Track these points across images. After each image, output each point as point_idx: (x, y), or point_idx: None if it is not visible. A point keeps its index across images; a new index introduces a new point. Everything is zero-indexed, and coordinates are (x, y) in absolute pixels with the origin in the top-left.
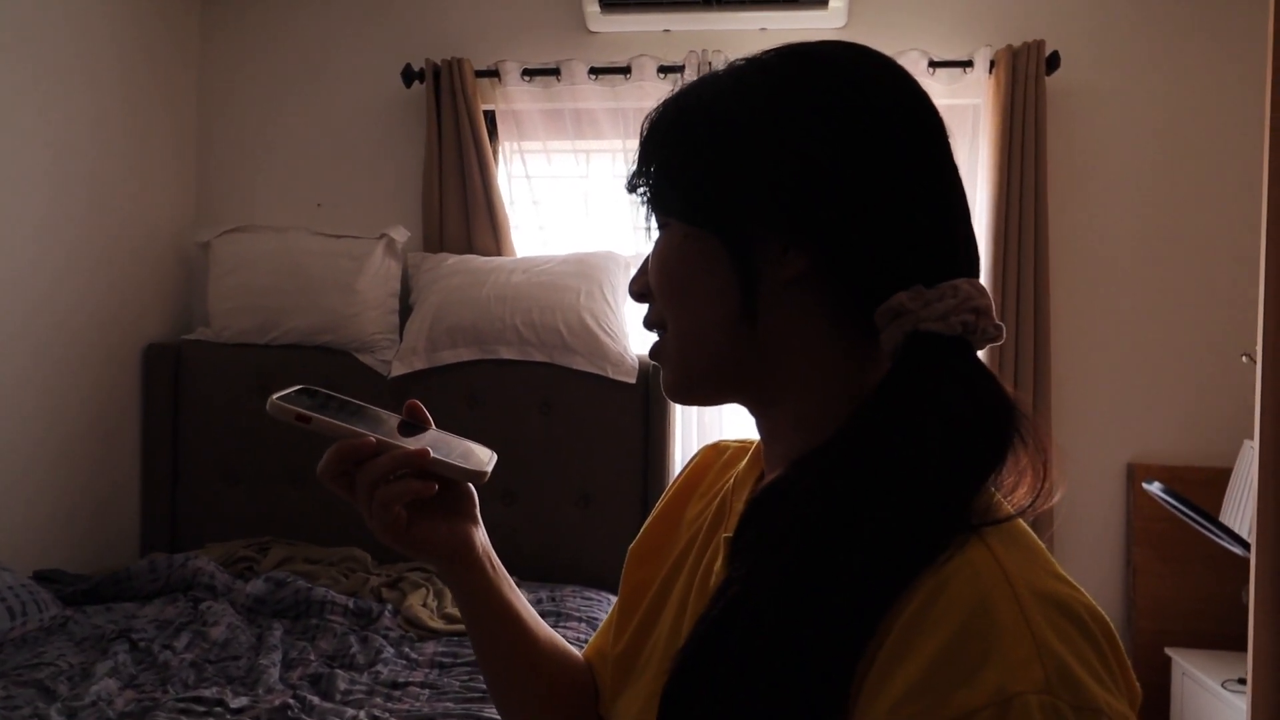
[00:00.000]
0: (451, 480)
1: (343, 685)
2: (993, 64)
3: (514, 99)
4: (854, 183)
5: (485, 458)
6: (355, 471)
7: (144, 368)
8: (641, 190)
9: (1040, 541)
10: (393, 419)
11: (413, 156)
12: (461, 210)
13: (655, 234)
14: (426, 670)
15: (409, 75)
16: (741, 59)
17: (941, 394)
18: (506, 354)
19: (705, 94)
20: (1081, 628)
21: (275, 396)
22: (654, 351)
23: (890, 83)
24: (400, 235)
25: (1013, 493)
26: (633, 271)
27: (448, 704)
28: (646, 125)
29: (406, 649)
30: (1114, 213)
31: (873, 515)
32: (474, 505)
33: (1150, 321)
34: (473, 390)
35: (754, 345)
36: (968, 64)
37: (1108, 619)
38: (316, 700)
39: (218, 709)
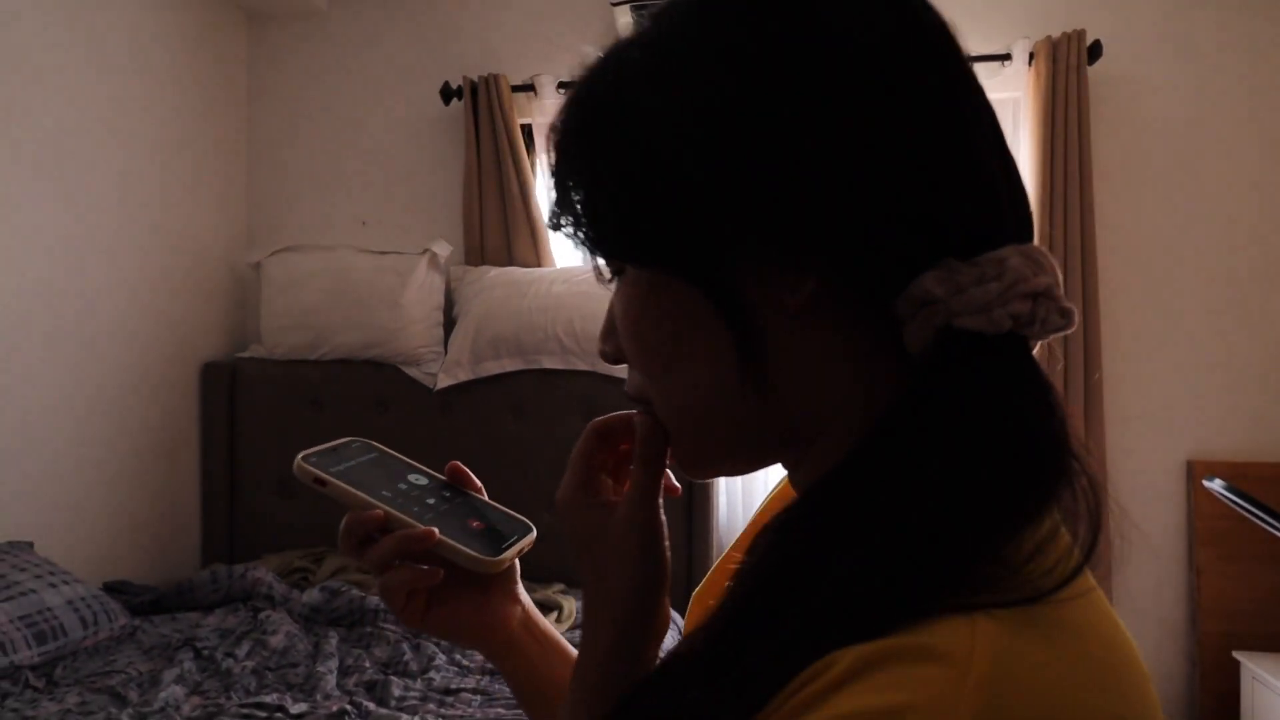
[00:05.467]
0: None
1: (397, 691)
2: (1032, 56)
3: (550, 112)
4: (853, 156)
5: (508, 543)
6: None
7: (201, 386)
8: (568, 229)
9: (1102, 620)
10: (434, 482)
11: (453, 172)
12: (501, 223)
13: (601, 270)
14: (478, 677)
15: (447, 93)
16: (649, 15)
17: (967, 424)
18: (549, 363)
19: (617, 86)
20: None
21: (301, 456)
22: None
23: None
24: (443, 249)
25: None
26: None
27: (499, 710)
28: (554, 142)
29: (458, 656)
30: (1164, 203)
31: (824, 571)
32: (511, 579)
33: (1205, 314)
34: (517, 400)
35: (771, 398)
36: (1006, 57)
37: None
38: (372, 706)
39: (278, 715)
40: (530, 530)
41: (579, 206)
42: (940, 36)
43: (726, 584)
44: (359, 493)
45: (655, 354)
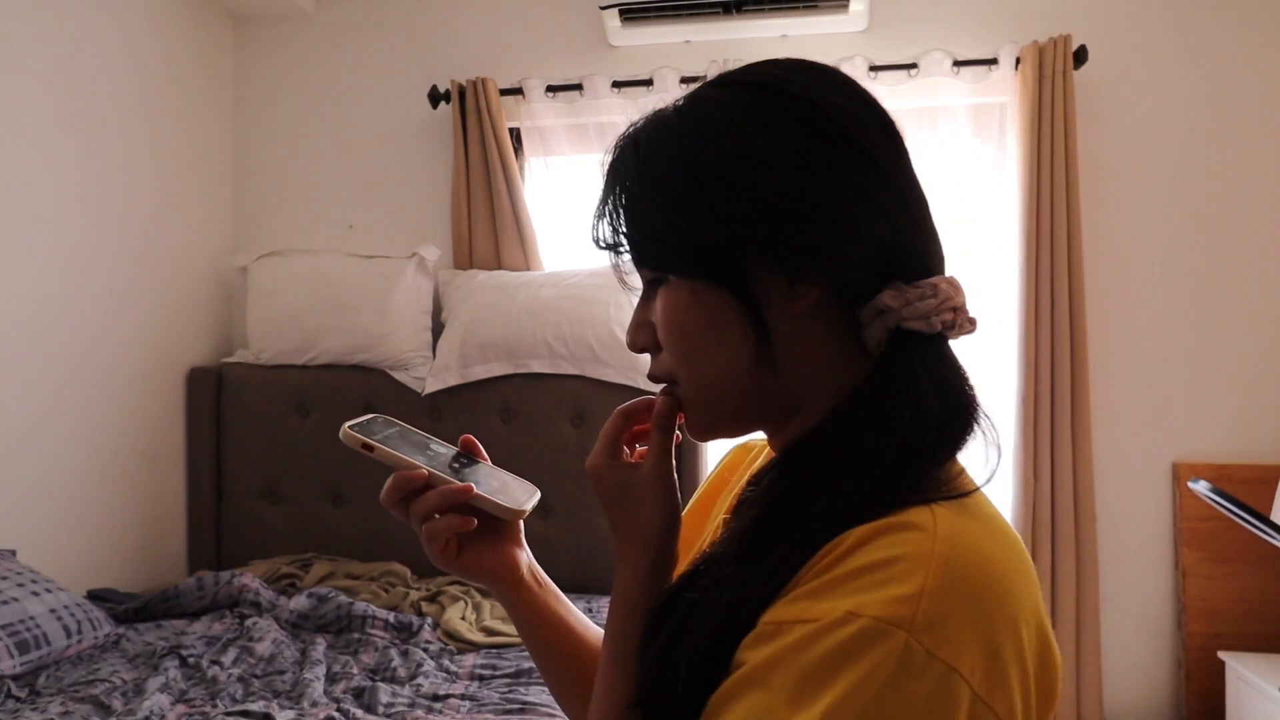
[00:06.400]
0: (492, 515)
1: (385, 698)
2: (1018, 61)
3: (538, 115)
4: (842, 203)
5: (526, 496)
6: (410, 502)
7: (187, 391)
8: (620, 248)
9: (999, 515)
10: (450, 451)
11: (441, 176)
12: (490, 227)
13: (631, 280)
14: (466, 682)
15: (435, 96)
16: (685, 97)
17: (917, 390)
18: (538, 367)
19: (670, 144)
20: (984, 590)
21: (347, 425)
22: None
23: (846, 95)
24: (431, 254)
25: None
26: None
27: (487, 715)
28: (610, 181)
29: (446, 661)
30: (1149, 206)
31: (828, 485)
32: (519, 531)
33: (1190, 317)
34: (506, 404)
35: (775, 379)
36: (993, 62)
37: (1022, 596)
38: (360, 713)
39: None
40: (536, 490)
41: (638, 232)
42: (893, 127)
43: (723, 517)
44: (403, 456)
45: (693, 342)
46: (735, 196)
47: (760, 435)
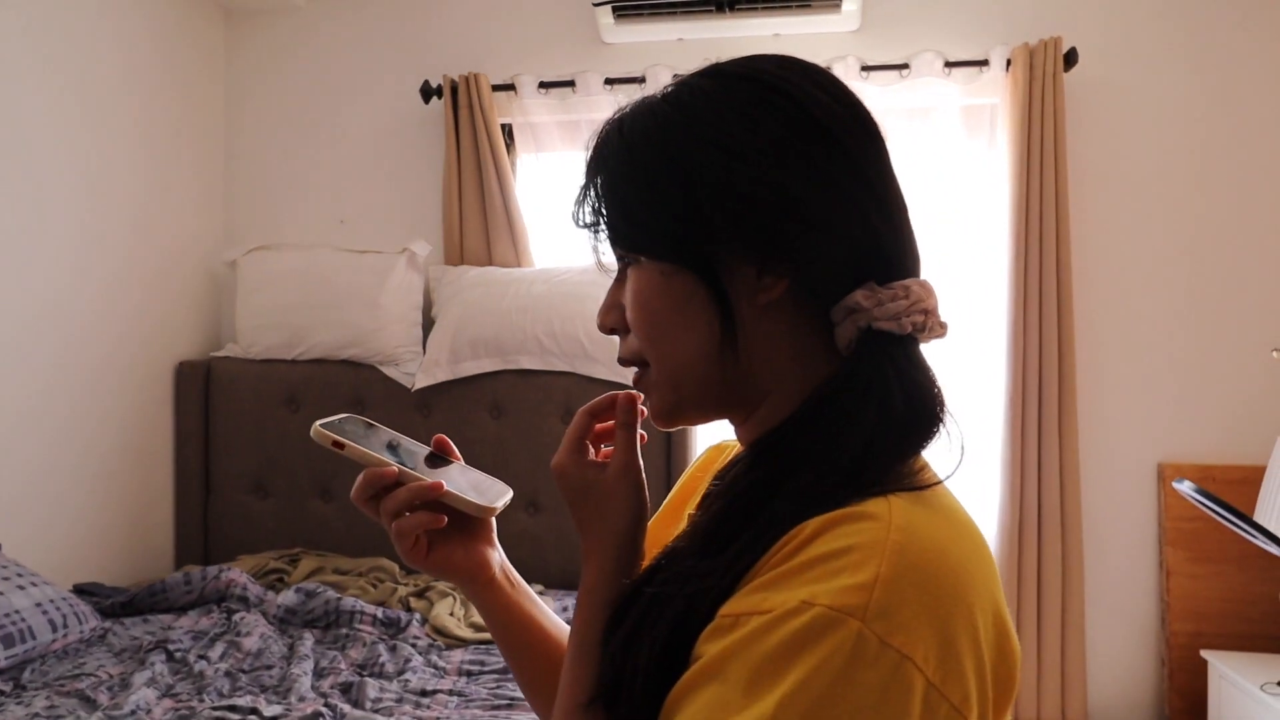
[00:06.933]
0: (463, 513)
1: (373, 693)
2: (1009, 62)
3: (531, 112)
4: (817, 198)
5: (497, 495)
6: (381, 499)
7: (176, 385)
8: (598, 229)
9: (960, 508)
10: (422, 450)
11: (432, 171)
12: (481, 223)
13: (605, 262)
14: (454, 678)
15: (427, 92)
16: (673, 85)
17: (884, 389)
18: (528, 364)
19: (652, 129)
20: (938, 579)
21: (318, 423)
22: (637, 382)
23: (831, 94)
24: (421, 249)
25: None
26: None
27: (475, 711)
28: (593, 163)
29: (434, 657)
30: (1137, 209)
31: (790, 479)
32: (491, 530)
33: (1177, 319)
34: (495, 400)
35: (738, 367)
36: (984, 63)
37: (979, 586)
38: (347, 708)
39: (252, 717)
40: (509, 489)
41: (614, 213)
42: (874, 129)
43: (689, 513)
44: (373, 453)
45: (658, 323)
46: (708, 181)
47: (732, 435)
